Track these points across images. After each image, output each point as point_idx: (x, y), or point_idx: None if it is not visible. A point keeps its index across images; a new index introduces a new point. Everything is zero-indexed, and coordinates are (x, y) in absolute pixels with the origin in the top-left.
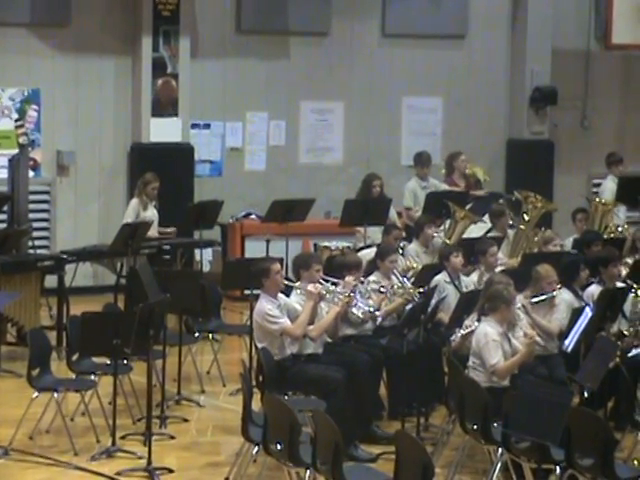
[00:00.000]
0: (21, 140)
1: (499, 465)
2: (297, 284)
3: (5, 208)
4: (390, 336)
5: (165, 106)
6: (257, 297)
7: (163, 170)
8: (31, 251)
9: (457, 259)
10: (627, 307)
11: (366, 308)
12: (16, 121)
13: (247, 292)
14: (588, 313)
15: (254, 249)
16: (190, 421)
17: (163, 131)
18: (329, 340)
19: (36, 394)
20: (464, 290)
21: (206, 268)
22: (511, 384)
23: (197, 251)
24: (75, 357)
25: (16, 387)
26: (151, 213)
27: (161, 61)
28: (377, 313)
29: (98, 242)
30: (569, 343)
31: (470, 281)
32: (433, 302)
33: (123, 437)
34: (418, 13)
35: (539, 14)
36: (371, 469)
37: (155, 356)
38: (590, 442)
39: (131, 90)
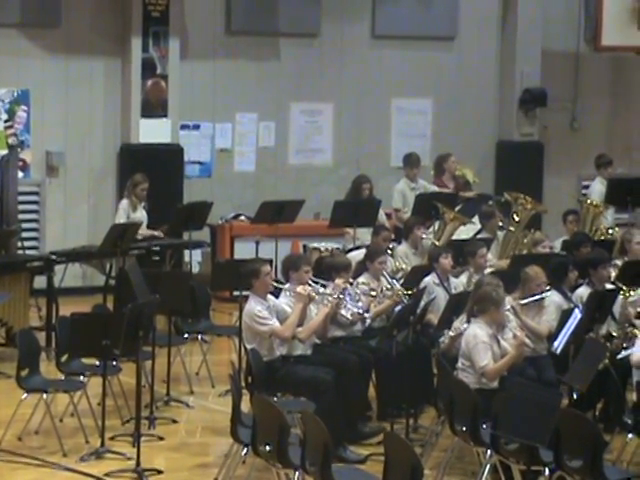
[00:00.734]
0: (10, 141)
1: (488, 467)
2: (286, 286)
3: None
4: (379, 337)
5: (155, 107)
6: (246, 298)
7: (152, 171)
8: (20, 252)
9: (446, 260)
10: (616, 309)
11: (355, 310)
12: (5, 122)
13: (236, 293)
14: (577, 315)
15: (243, 250)
16: (179, 422)
17: (152, 132)
18: (318, 341)
19: (25, 395)
20: (453, 291)
21: (195, 269)
22: (500, 386)
23: (186, 252)
24: (64, 358)
25: (5, 388)
26: (140, 214)
27: (151, 62)
28: (366, 315)
29: (87, 243)
30: (558, 345)
31: (459, 282)
32: (422, 303)
33: (112, 438)
34: (408, 14)
35: (529, 16)
36: (360, 470)
37: (144, 357)
38: (579, 444)
39: (121, 91)
